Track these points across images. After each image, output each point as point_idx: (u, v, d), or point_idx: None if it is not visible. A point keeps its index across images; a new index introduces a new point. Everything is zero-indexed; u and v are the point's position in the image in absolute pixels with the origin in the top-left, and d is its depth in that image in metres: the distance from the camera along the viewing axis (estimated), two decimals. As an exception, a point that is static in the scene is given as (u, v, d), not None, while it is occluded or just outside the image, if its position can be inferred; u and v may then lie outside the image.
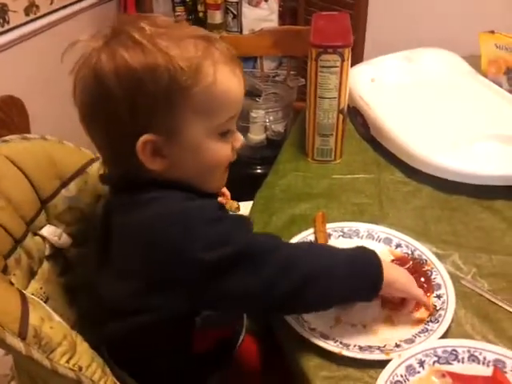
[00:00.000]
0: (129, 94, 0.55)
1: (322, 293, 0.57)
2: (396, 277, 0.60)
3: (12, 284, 0.57)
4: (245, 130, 1.48)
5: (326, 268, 0.58)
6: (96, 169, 0.77)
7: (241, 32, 2.20)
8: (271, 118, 1.48)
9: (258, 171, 1.46)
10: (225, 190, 0.93)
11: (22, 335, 0.50)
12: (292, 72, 1.91)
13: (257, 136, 1.49)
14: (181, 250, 0.54)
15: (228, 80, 0.59)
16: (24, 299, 0.53)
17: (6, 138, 0.71)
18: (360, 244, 0.73)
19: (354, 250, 0.61)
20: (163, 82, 0.54)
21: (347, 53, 0.89)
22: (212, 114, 0.58)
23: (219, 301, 0.57)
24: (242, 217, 0.67)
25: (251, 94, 1.45)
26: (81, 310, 0.73)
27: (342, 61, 0.89)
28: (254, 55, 2.03)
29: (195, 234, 0.54)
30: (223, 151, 0.61)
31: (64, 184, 0.74)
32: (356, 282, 0.58)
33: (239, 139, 0.64)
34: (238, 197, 0.93)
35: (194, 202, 0.58)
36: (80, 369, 0.52)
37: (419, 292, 0.62)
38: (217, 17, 2.21)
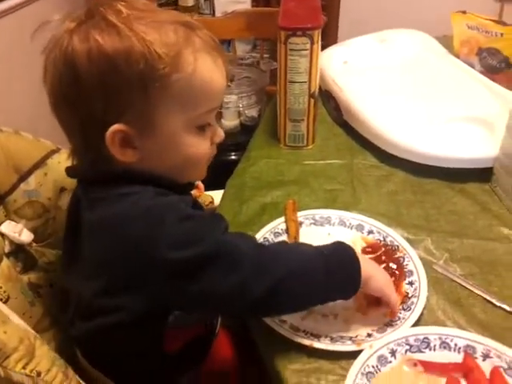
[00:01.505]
0: (101, 79, 0.51)
1: (297, 296, 0.55)
2: (372, 273, 0.58)
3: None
4: (218, 116, 1.44)
5: (300, 270, 0.55)
6: (57, 161, 0.74)
7: (213, 14, 2.15)
8: (244, 102, 1.45)
9: (232, 157, 1.43)
10: (199, 182, 0.90)
11: None
12: (266, 55, 1.88)
13: (230, 122, 1.46)
14: (147, 248, 0.51)
15: (209, 70, 0.55)
16: None
17: (-42, 130, 0.68)
18: (332, 231, 0.73)
19: (329, 248, 0.58)
20: (138, 69, 0.51)
21: (317, 35, 0.86)
22: (190, 105, 0.55)
23: (188, 303, 0.54)
24: (214, 215, 0.63)
25: (223, 78, 1.41)
26: (45, 308, 0.70)
27: (312, 43, 0.86)
28: (227, 38, 1.99)
29: (163, 232, 0.51)
30: (201, 146, 0.58)
31: (22, 177, 0.71)
32: (333, 283, 0.55)
33: (219, 134, 0.61)
34: (212, 185, 0.91)
35: (165, 199, 0.55)
36: (38, 374, 0.49)
37: (394, 296, 0.59)
38: (189, -1, 2.15)
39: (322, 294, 0.56)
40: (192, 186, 0.67)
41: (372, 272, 0.58)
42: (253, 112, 1.46)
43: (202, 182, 0.88)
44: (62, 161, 0.73)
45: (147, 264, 0.51)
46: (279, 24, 0.87)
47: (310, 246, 0.59)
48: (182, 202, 0.55)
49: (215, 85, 0.56)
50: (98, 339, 0.61)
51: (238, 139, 1.43)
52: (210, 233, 0.54)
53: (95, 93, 0.52)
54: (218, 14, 2.12)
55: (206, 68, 0.55)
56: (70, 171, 0.62)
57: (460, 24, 1.17)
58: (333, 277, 0.55)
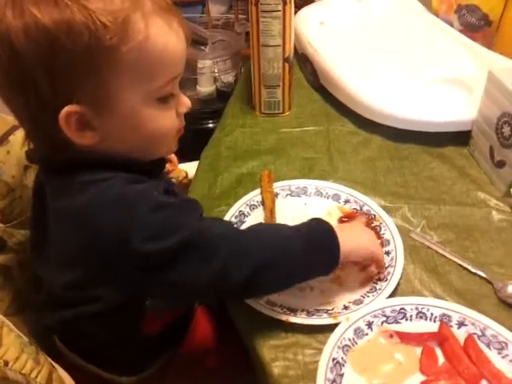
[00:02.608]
0: (43, 57, 0.46)
1: (277, 277, 0.53)
2: (355, 243, 0.57)
3: None
4: (193, 83, 1.40)
5: (279, 252, 0.53)
6: (20, 137, 0.71)
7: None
8: (220, 67, 1.40)
9: (210, 126, 1.40)
10: (172, 156, 0.87)
11: None
12: (242, 16, 1.82)
13: (206, 88, 1.41)
14: (119, 240, 0.48)
15: (164, 35, 0.50)
16: None
17: None
18: (308, 202, 0.72)
19: (306, 227, 0.56)
20: (83, 42, 0.46)
21: (290, -5, 0.82)
22: (147, 76, 0.50)
23: (168, 293, 0.53)
24: (189, 201, 0.59)
25: (197, 42, 1.36)
26: (16, 290, 0.68)
27: (284, 4, 0.82)
28: (202, 0, 1.92)
29: (134, 222, 0.48)
30: (166, 119, 0.54)
31: (-17, 156, 0.67)
32: (312, 261, 0.54)
33: (184, 103, 0.56)
34: (189, 154, 0.88)
35: (135, 187, 0.51)
36: (6, 363, 0.48)
37: (382, 255, 0.59)
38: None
39: (303, 273, 0.55)
40: (163, 163, 0.64)
41: (355, 240, 0.57)
42: (229, 77, 1.42)
43: (179, 152, 0.84)
44: (25, 143, 0.70)
45: (120, 257, 0.49)
46: (250, -17, 0.83)
47: (287, 226, 0.57)
48: (153, 189, 0.52)
49: (172, 51, 0.51)
50: (71, 328, 0.60)
51: (215, 106, 1.39)
52: (185, 221, 0.51)
53: (38, 72, 0.47)
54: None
55: (160, 33, 0.50)
56: (30, 156, 0.58)
57: (439, -20, 1.14)
58: (312, 255, 0.54)
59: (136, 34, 0.48)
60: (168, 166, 0.80)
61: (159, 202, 0.51)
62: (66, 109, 0.48)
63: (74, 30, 0.45)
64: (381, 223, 0.67)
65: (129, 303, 0.55)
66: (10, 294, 0.67)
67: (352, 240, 0.57)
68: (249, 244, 0.53)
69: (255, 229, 0.57)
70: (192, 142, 0.79)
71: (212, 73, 1.40)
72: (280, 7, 0.82)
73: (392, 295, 0.57)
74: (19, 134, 0.71)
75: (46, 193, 0.56)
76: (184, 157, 0.90)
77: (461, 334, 0.52)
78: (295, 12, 0.88)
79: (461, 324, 0.53)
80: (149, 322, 0.60)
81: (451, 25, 1.10)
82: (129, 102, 0.50)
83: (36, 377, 0.50)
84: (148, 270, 0.49)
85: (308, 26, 1.10)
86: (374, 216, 0.68)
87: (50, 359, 0.55)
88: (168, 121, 0.55)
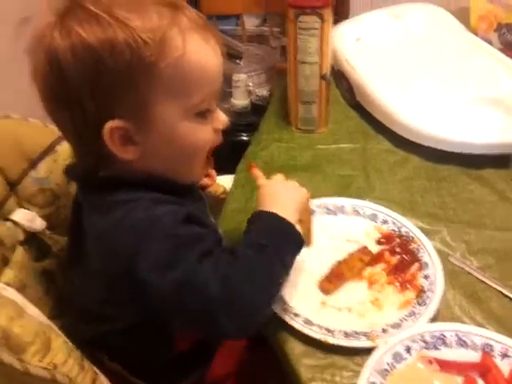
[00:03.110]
0: (88, 75, 0.49)
1: (267, 290, 0.52)
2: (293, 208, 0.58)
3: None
4: (227, 95, 1.42)
5: (263, 279, 0.51)
6: (66, 147, 0.73)
7: (221, -14, 2.09)
8: (254, 81, 1.41)
9: (244, 138, 1.41)
10: (211, 170, 0.88)
11: None
12: (276, 29, 1.83)
13: (240, 101, 1.43)
14: (130, 266, 0.49)
15: (200, 50, 0.52)
16: None
17: (-33, 119, 0.66)
18: (345, 221, 0.72)
19: (257, 229, 0.55)
20: (124, 59, 0.48)
21: (327, 13, 0.83)
22: (184, 91, 0.52)
23: (177, 319, 0.53)
24: (198, 235, 0.53)
25: (232, 56, 1.38)
26: (59, 294, 0.70)
27: (322, 22, 0.83)
28: (235, 13, 1.93)
29: (146, 251, 0.49)
30: (202, 134, 0.55)
31: (32, 164, 0.69)
32: (282, 254, 0.54)
33: (221, 120, 0.57)
34: (223, 167, 0.88)
35: (154, 212, 0.51)
36: (55, 367, 0.49)
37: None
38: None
39: (282, 269, 0.54)
40: (195, 185, 0.65)
41: (288, 205, 0.58)
42: (263, 91, 1.43)
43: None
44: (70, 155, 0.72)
45: (128, 281, 0.50)
46: (288, 1, 0.84)
47: (248, 244, 0.54)
48: (170, 216, 0.52)
49: (209, 67, 0.52)
50: (104, 341, 0.61)
51: (249, 119, 1.41)
52: (186, 257, 0.49)
53: (84, 89, 0.49)
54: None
55: (197, 48, 0.51)
56: (68, 172, 0.61)
57: (479, -3, 1.13)
58: (279, 250, 0.53)
59: (173, 51, 0.50)
60: (206, 181, 0.81)
61: (169, 232, 0.51)
62: (110, 124, 0.50)
63: (116, 48, 0.48)
64: (419, 246, 0.66)
65: (156, 322, 0.56)
66: (52, 298, 0.69)
67: (287, 205, 0.58)
68: (237, 290, 0.49)
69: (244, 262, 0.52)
70: (225, 155, 0.81)
71: (246, 86, 1.41)
72: (318, 25, 0.83)
73: (431, 320, 0.57)
74: (66, 144, 0.73)
75: (82, 210, 0.58)
76: (218, 169, 0.91)
77: (504, 366, 0.51)
78: (331, 28, 0.89)
79: (504, 355, 0.52)
80: (180, 338, 0.60)
81: (490, 43, 1.09)
82: (166, 116, 0.52)
83: (81, 382, 0.51)
84: (153, 299, 0.50)
85: (344, 42, 1.10)
86: (413, 238, 0.67)
87: (93, 366, 0.56)
88: (204, 135, 0.56)
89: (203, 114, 0.55)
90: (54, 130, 0.74)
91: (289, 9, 0.83)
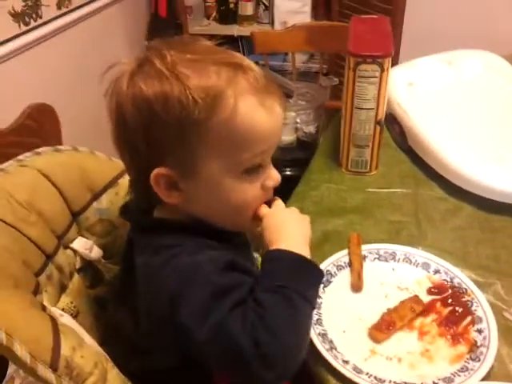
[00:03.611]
0: (143, 124, 0.53)
1: (303, 336, 0.52)
2: (300, 242, 0.56)
3: (44, 307, 0.56)
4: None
5: (293, 326, 0.51)
6: (127, 180, 0.76)
7: (272, 24, 2.16)
8: (302, 119, 1.44)
9: (288, 173, 1.43)
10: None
11: (54, 366, 0.49)
12: (324, 66, 1.87)
13: (287, 137, 1.45)
14: (173, 310, 0.51)
15: (253, 112, 0.53)
16: (55, 326, 0.53)
17: (39, 150, 0.70)
18: (396, 268, 0.72)
19: (275, 272, 0.54)
20: (174, 114, 0.51)
21: (387, 63, 0.85)
22: (232, 149, 0.53)
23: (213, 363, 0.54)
24: (240, 282, 0.53)
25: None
26: (108, 323, 0.72)
27: (382, 71, 0.85)
28: (286, 51, 1.98)
29: (188, 296, 0.51)
30: (248, 192, 0.56)
31: (96, 196, 0.73)
32: (298, 287, 0.52)
33: (273, 178, 0.57)
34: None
35: (200, 256, 0.53)
36: None
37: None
38: (248, 8, 2.18)
39: (305, 306, 0.52)
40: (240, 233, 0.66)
41: (297, 239, 0.57)
42: (311, 128, 1.45)
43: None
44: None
45: (170, 327, 0.52)
46: (349, 50, 0.87)
47: (265, 288, 0.52)
48: (210, 264, 0.52)
49: (260, 128, 0.53)
50: (149, 375, 0.62)
51: (295, 155, 1.42)
52: (219, 307, 0.50)
53: (139, 137, 0.53)
54: (276, 23, 2.13)
55: (250, 110, 0.52)
56: (123, 212, 0.65)
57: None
58: (299, 288, 0.52)
59: (223, 110, 0.52)
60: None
61: (209, 279, 0.51)
62: (157, 170, 0.54)
63: (168, 102, 0.51)
64: (472, 299, 0.65)
65: (195, 361, 0.56)
66: (102, 325, 0.71)
67: (294, 236, 0.57)
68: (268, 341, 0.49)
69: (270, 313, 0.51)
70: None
71: (294, 123, 1.44)
72: (377, 74, 0.85)
73: (485, 378, 0.56)
74: (127, 177, 0.77)
75: (133, 248, 0.61)
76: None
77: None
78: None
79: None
80: (219, 377, 0.61)
81: (547, 92, 1.08)
82: (212, 170, 0.54)
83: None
84: (192, 343, 0.51)
85: (397, 86, 1.11)
86: (466, 290, 0.67)
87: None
88: (249, 194, 0.56)
89: (254, 170, 0.55)
90: (117, 164, 0.78)
91: (349, 57, 0.86)
